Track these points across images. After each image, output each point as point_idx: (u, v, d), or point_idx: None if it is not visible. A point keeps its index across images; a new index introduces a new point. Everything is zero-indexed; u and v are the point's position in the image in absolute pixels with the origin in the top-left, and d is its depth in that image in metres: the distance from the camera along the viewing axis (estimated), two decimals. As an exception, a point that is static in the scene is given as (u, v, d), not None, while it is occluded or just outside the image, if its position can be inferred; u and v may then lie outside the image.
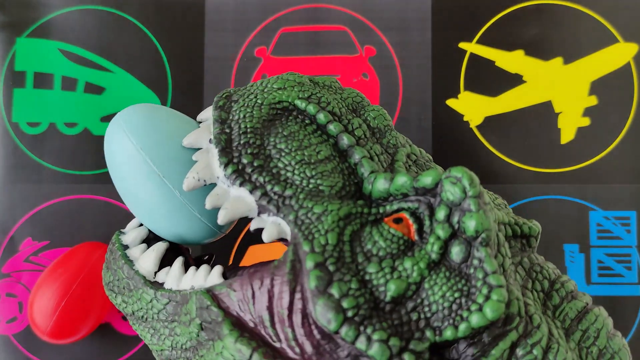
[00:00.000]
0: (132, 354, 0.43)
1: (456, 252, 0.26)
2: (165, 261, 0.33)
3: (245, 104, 0.30)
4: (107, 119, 0.45)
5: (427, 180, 0.26)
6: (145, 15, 0.46)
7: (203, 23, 0.46)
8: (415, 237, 0.27)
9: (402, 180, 0.27)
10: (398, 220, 0.27)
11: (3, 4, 0.46)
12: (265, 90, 0.30)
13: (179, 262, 0.31)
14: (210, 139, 0.30)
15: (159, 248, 0.32)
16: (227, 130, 0.29)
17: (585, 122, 0.44)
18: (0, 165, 0.45)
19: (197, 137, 0.30)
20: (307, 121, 0.30)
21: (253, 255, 0.44)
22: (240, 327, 0.28)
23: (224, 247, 0.44)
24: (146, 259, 0.32)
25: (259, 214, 0.28)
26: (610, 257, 0.43)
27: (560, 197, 0.44)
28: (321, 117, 0.29)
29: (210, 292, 0.29)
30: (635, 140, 0.44)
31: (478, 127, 0.45)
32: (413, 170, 0.30)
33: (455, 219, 0.26)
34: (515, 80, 0.45)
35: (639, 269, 0.43)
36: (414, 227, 0.27)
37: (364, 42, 0.45)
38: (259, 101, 0.30)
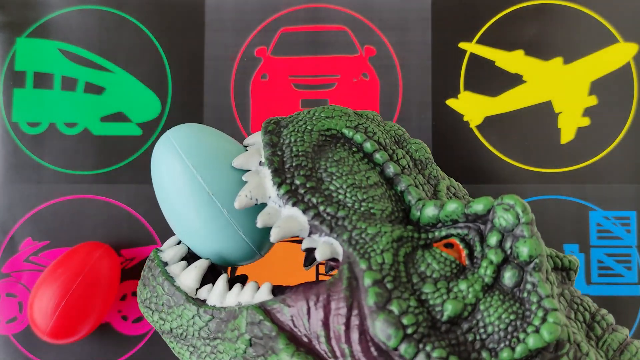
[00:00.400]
0: (132, 354, 0.43)
1: (509, 276, 0.26)
2: (203, 280, 0.32)
3: (296, 130, 0.30)
4: (107, 119, 0.45)
5: (479, 206, 0.27)
6: (145, 15, 0.46)
7: (203, 23, 0.46)
8: (467, 262, 0.27)
9: (453, 206, 0.28)
10: (448, 246, 0.28)
11: (3, 4, 0.46)
12: (314, 118, 0.31)
13: (223, 279, 0.31)
14: (260, 162, 0.31)
15: (202, 265, 0.32)
16: (279, 153, 0.30)
17: (585, 122, 0.44)
18: (0, 165, 0.45)
19: (247, 159, 0.31)
20: (354, 149, 0.30)
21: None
22: (295, 341, 0.28)
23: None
24: (188, 276, 0.32)
25: (310, 234, 0.28)
26: (610, 257, 0.43)
27: (560, 197, 0.44)
28: (368, 145, 0.30)
29: (262, 307, 0.29)
30: (635, 140, 0.44)
31: (478, 127, 0.45)
32: None
33: (507, 244, 0.27)
34: (515, 80, 0.45)
35: (639, 269, 0.43)
36: (464, 252, 0.27)
37: (364, 42, 0.45)
38: (308, 127, 0.30)
